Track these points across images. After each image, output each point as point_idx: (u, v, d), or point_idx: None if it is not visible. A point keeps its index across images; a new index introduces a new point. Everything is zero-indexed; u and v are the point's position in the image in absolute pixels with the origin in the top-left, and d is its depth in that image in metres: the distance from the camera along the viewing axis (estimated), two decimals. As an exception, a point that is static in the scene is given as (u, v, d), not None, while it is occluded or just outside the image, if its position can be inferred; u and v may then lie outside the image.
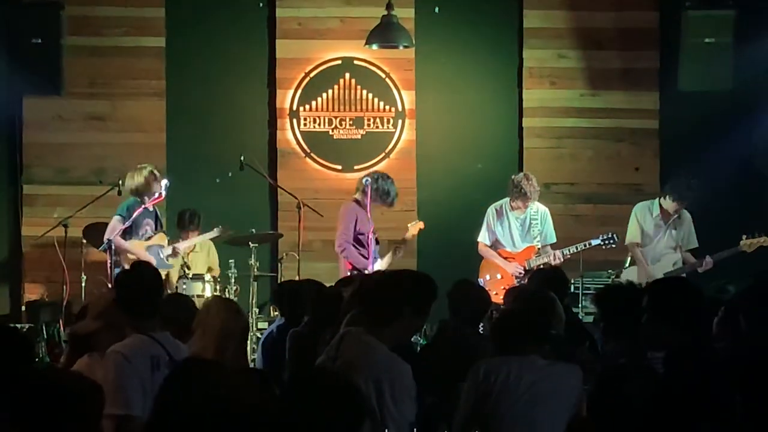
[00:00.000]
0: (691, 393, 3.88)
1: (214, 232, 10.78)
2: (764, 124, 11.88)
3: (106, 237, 9.94)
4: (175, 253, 10.45)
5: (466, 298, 7.03)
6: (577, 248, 10.41)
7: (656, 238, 10.70)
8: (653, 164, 12.04)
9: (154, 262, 9.69)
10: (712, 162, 11.70)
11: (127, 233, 10.09)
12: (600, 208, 11.49)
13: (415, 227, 10.77)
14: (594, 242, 10.44)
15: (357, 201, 10.48)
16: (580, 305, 10.64)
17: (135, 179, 10.21)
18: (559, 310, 6.22)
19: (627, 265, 10.80)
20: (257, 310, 10.97)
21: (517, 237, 10.67)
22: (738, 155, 11.77)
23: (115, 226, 10.01)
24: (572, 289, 10.06)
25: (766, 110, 11.90)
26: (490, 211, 10.74)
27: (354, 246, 10.33)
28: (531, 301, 6.44)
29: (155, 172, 10.26)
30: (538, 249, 10.56)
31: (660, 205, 10.67)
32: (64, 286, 11.20)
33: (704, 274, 10.29)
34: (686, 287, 5.11)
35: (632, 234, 10.74)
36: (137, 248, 10.14)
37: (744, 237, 10.38)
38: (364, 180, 10.45)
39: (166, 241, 10.46)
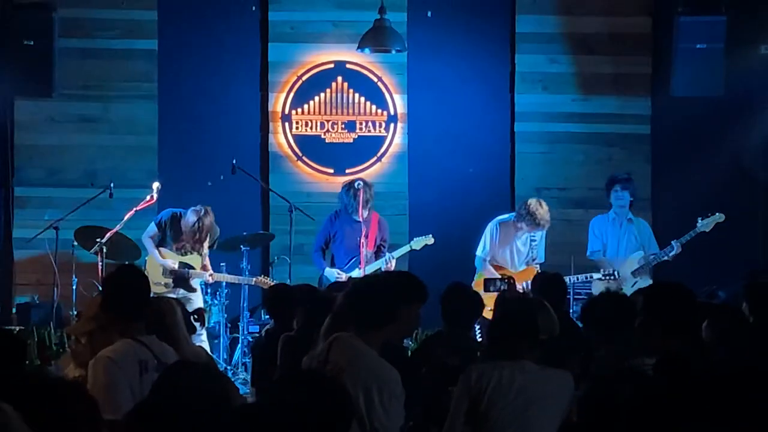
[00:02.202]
0: (681, 399, 3.88)
1: (252, 280, 10.65)
2: (755, 129, 11.90)
3: (143, 235, 10.67)
4: (199, 277, 10.59)
5: (460, 301, 7.03)
6: (578, 279, 10.49)
7: (618, 241, 10.95)
8: (644, 169, 12.06)
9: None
10: (704, 167, 11.73)
11: (163, 242, 10.57)
12: (591, 213, 11.47)
13: (421, 241, 10.79)
14: (596, 276, 10.54)
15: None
16: (570, 309, 10.65)
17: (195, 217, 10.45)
18: (552, 315, 6.21)
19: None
20: (248, 314, 10.95)
21: (517, 257, 10.69)
22: (729, 160, 11.79)
23: (149, 230, 10.65)
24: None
25: (757, 116, 11.92)
26: (494, 227, 10.72)
27: None
28: (522, 307, 6.44)
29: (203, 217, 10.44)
30: (537, 272, 10.54)
31: (614, 211, 10.99)
32: (55, 289, 11.17)
33: (694, 280, 10.30)
34: (681, 293, 5.10)
35: (594, 245, 11.04)
36: (164, 257, 10.49)
37: (700, 219, 10.55)
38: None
39: (200, 265, 10.56)
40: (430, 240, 10.80)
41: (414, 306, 5.15)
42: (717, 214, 10.59)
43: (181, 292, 10.38)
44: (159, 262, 10.48)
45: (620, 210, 10.96)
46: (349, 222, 10.64)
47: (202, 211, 10.36)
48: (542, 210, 10.46)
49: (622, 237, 10.95)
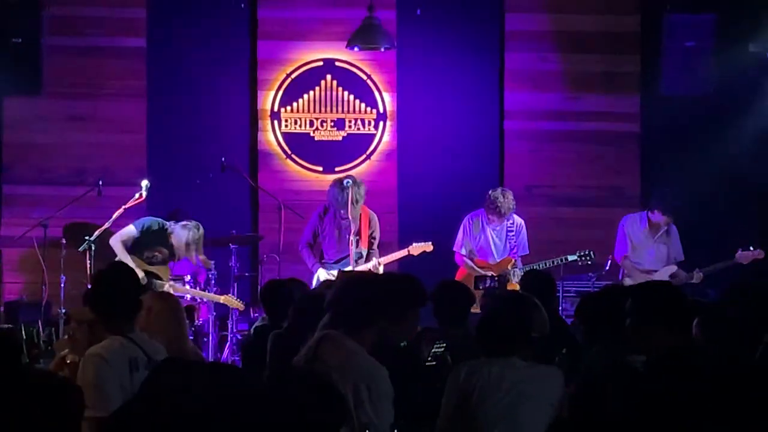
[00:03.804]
0: (672, 396, 3.88)
1: (220, 299, 10.40)
2: (744, 127, 11.92)
3: (113, 238, 10.22)
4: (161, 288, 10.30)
5: (450, 297, 7.02)
6: (553, 263, 10.39)
7: (646, 251, 10.72)
8: (634, 167, 12.07)
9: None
10: (693, 165, 11.74)
11: (135, 249, 10.24)
12: (581, 211, 11.51)
13: (419, 247, 10.71)
14: (570, 258, 10.45)
15: None
16: (560, 307, 10.65)
17: (189, 234, 10.18)
18: (542, 313, 6.21)
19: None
20: (237, 312, 10.92)
21: (494, 248, 10.70)
22: (718, 158, 11.80)
23: (126, 233, 10.25)
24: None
25: (746, 114, 11.94)
26: (466, 221, 10.82)
27: None
28: (512, 304, 6.43)
29: (198, 240, 10.22)
30: (515, 260, 10.58)
31: (648, 219, 10.70)
32: (44, 287, 11.15)
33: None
34: (670, 291, 5.11)
35: (622, 247, 10.78)
36: (133, 263, 10.00)
37: (740, 250, 10.44)
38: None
39: (168, 276, 10.32)
40: (429, 247, 10.65)
41: (416, 310, 5.17)
42: (758, 249, 10.47)
43: None
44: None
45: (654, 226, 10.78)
46: (337, 219, 10.60)
47: (193, 227, 10.20)
48: (503, 199, 10.49)
49: (653, 248, 10.75)
